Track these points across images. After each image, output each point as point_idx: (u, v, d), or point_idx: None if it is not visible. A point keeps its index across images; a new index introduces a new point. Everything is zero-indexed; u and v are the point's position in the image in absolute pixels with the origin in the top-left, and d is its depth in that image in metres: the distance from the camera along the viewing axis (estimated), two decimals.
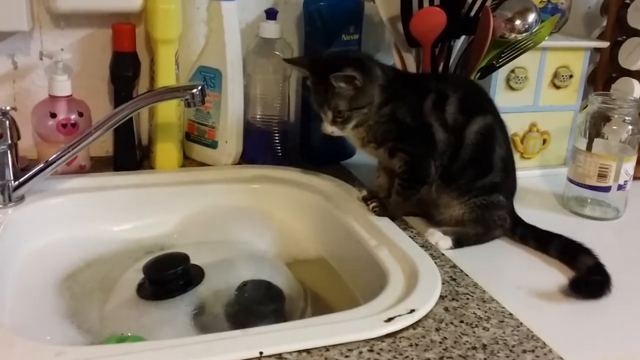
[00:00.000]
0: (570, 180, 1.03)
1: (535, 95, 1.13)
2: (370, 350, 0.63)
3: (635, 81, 1.15)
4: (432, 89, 0.89)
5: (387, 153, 0.90)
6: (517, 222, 0.91)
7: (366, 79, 0.85)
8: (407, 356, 0.62)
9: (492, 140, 0.89)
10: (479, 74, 1.00)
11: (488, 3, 0.95)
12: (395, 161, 0.89)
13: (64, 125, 0.96)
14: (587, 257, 0.82)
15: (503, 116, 0.92)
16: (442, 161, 0.88)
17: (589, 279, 0.79)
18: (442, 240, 0.86)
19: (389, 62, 1.22)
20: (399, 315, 0.67)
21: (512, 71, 1.09)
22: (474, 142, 0.87)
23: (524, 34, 0.96)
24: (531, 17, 0.94)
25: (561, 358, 0.64)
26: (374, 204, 0.91)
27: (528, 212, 0.93)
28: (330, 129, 0.89)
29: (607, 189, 0.99)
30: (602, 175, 0.99)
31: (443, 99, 0.88)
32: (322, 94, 0.87)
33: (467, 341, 0.66)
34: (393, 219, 0.90)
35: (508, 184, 0.91)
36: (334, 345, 0.63)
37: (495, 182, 0.88)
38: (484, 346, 0.65)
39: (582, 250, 0.84)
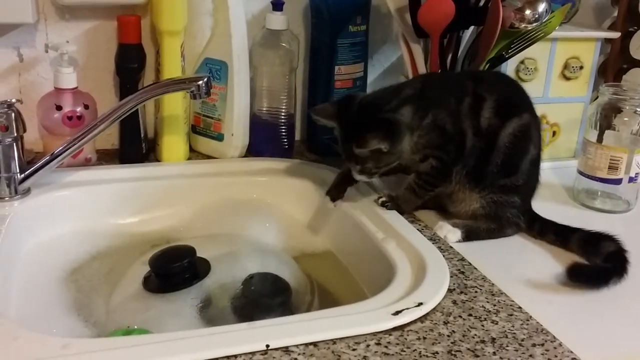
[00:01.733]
0: (581, 173, 1.02)
1: (545, 86, 1.12)
2: (378, 344, 0.62)
3: None
4: (468, 91, 0.86)
5: (421, 159, 0.87)
6: (534, 217, 0.90)
7: (394, 141, 0.83)
8: (415, 349, 0.62)
9: (527, 141, 0.87)
10: (488, 65, 0.98)
11: None
12: (424, 165, 0.87)
13: (70, 118, 0.96)
14: (608, 244, 0.81)
15: None
16: (468, 163, 0.86)
17: (593, 267, 0.79)
18: (450, 233, 0.86)
19: (396, 54, 1.22)
20: (407, 309, 0.66)
21: (522, 62, 1.08)
22: (508, 145, 0.86)
23: (534, 24, 0.94)
24: (541, 7, 0.93)
25: (571, 352, 0.63)
26: (383, 199, 0.90)
27: (538, 205, 0.92)
28: (358, 177, 0.87)
29: (618, 182, 0.98)
30: (612, 168, 0.98)
31: (480, 101, 0.86)
32: (348, 150, 0.84)
33: (475, 335, 0.65)
34: (402, 213, 0.89)
35: (529, 187, 0.90)
36: (340, 339, 0.62)
37: (516, 184, 0.87)
38: (493, 340, 0.64)
39: (604, 237, 0.83)
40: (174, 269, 0.80)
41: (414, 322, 0.66)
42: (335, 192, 0.92)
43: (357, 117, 0.85)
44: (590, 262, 0.81)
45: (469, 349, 0.62)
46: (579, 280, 0.76)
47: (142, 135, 1.03)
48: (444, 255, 0.79)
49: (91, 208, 0.93)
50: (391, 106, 0.85)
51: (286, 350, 0.60)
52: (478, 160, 0.86)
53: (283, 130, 1.09)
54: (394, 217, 0.87)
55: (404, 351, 0.61)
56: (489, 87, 0.88)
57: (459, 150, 0.86)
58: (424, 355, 0.61)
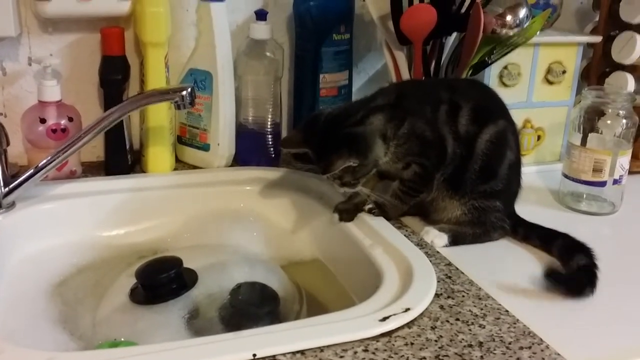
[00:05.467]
0: (566, 176, 1.02)
1: (529, 91, 1.12)
2: (365, 350, 0.62)
3: (629, 75, 1.14)
4: (444, 99, 0.87)
5: (403, 167, 0.87)
6: (519, 222, 0.90)
7: (361, 154, 0.82)
8: (403, 355, 0.62)
9: (504, 146, 0.87)
10: (471, 71, 0.99)
11: None
12: (407, 172, 0.86)
13: (54, 131, 0.95)
14: (581, 257, 0.80)
15: None
16: (446, 170, 0.87)
17: (569, 276, 0.79)
18: (437, 238, 0.86)
19: (380, 62, 1.22)
20: (394, 315, 0.66)
21: (505, 68, 1.08)
22: (485, 151, 0.86)
23: (515, 30, 0.95)
24: (522, 13, 0.94)
25: (558, 354, 0.63)
26: (369, 206, 0.90)
27: (524, 209, 0.92)
28: (342, 190, 0.86)
29: (602, 184, 0.99)
30: (597, 170, 0.98)
31: (456, 109, 0.86)
32: (323, 170, 0.84)
33: (463, 339, 0.65)
34: (388, 219, 0.89)
35: (510, 191, 0.90)
36: (328, 346, 0.62)
37: (496, 189, 0.87)
38: (480, 344, 0.64)
39: (580, 250, 0.82)
40: (161, 280, 0.79)
41: (402, 327, 0.66)
42: (347, 216, 0.90)
43: (322, 137, 0.84)
44: (566, 270, 0.80)
45: (456, 354, 0.62)
46: (556, 284, 0.76)
47: (127, 147, 1.03)
48: (430, 261, 0.79)
49: (77, 221, 0.92)
50: (356, 118, 0.84)
51: (273, 359, 0.60)
52: (456, 168, 0.86)
53: (269, 139, 1.09)
54: (380, 224, 0.87)
55: (392, 357, 0.61)
56: (464, 95, 0.88)
57: (441, 156, 0.86)
58: None
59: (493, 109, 0.89)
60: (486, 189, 0.87)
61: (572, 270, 0.79)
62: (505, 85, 1.10)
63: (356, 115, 0.84)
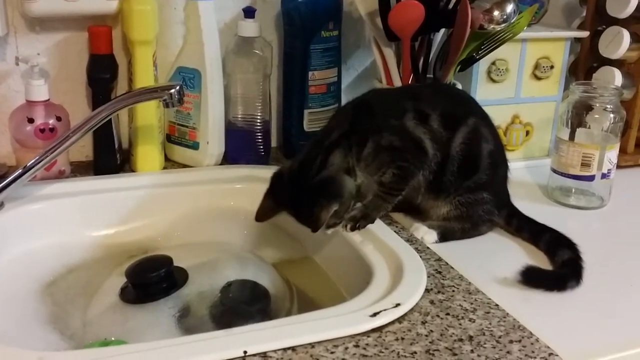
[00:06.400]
0: (554, 171, 1.03)
1: (517, 87, 1.13)
2: (356, 346, 0.62)
3: (616, 70, 1.15)
4: (408, 109, 0.85)
5: (381, 174, 0.85)
6: (513, 213, 0.90)
7: (341, 194, 0.82)
8: (393, 350, 0.62)
9: (478, 141, 0.87)
10: (459, 67, 0.99)
11: None
12: (385, 177, 0.85)
13: (42, 130, 0.95)
14: (565, 251, 0.81)
15: (485, 109, 0.91)
16: (428, 174, 0.86)
17: (548, 273, 0.80)
18: (427, 235, 0.86)
19: (369, 58, 1.23)
20: (384, 310, 0.66)
21: (493, 63, 1.09)
22: (460, 153, 0.85)
23: (503, 25, 0.95)
24: (509, 8, 0.94)
25: (548, 347, 0.64)
26: (349, 225, 0.85)
27: (514, 204, 0.92)
28: (328, 232, 0.85)
29: (590, 178, 0.99)
30: (585, 165, 0.99)
31: (425, 117, 0.85)
32: (312, 227, 0.81)
33: (453, 333, 0.65)
34: (372, 222, 0.86)
35: (497, 179, 0.90)
36: (319, 342, 0.62)
37: (480, 182, 0.87)
38: (471, 338, 0.64)
39: (565, 245, 0.83)
40: (151, 279, 0.79)
41: (392, 323, 0.66)
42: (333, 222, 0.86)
43: (293, 195, 0.83)
44: (552, 265, 0.82)
45: (447, 348, 0.63)
46: (530, 283, 0.76)
47: (116, 146, 1.03)
48: (420, 256, 0.79)
49: (66, 221, 0.92)
50: (317, 165, 0.83)
51: (264, 356, 0.60)
52: (434, 173, 0.86)
53: (259, 137, 1.09)
54: None
55: (383, 352, 0.61)
56: (429, 102, 0.87)
57: (420, 156, 0.85)
58: (402, 355, 0.61)
59: (460, 111, 0.88)
60: (470, 185, 0.87)
61: (557, 265, 0.80)
62: (493, 81, 1.10)
63: (316, 162, 0.83)
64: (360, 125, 0.85)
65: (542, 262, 0.82)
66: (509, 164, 0.92)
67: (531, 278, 0.76)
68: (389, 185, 0.85)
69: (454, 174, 0.86)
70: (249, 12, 1.04)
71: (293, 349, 0.61)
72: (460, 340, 0.64)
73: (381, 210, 0.87)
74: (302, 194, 0.82)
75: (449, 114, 0.86)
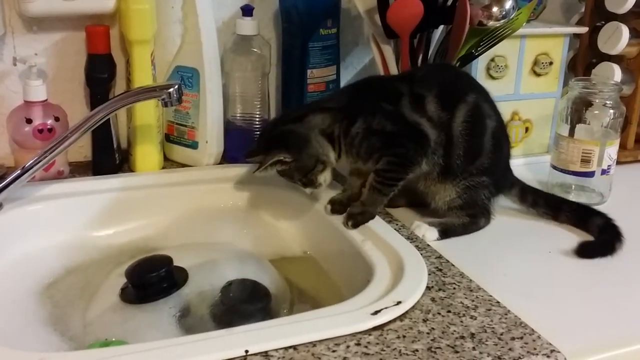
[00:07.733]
0: (554, 167, 1.03)
1: (516, 83, 1.13)
2: (358, 344, 0.62)
3: (615, 65, 1.14)
4: (404, 92, 0.86)
5: (375, 162, 0.86)
6: (526, 188, 0.93)
7: (298, 149, 0.84)
8: (395, 348, 0.62)
9: (481, 118, 0.87)
10: (458, 64, 0.99)
11: None
12: (381, 164, 0.85)
13: (40, 131, 0.94)
14: (596, 218, 0.87)
15: None
16: (435, 159, 0.86)
17: (595, 242, 0.85)
18: (428, 232, 0.86)
19: (368, 56, 1.22)
20: (386, 308, 0.66)
21: (492, 60, 1.09)
22: (463, 133, 0.86)
23: (502, 21, 0.95)
24: (508, 4, 0.94)
25: (550, 343, 0.64)
26: (350, 222, 0.86)
27: None
28: (308, 190, 0.89)
29: (590, 174, 0.99)
30: (585, 161, 0.99)
31: (420, 100, 0.86)
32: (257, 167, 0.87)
33: (455, 331, 0.65)
34: (372, 218, 0.86)
35: (501, 158, 0.91)
36: (320, 341, 0.62)
37: (483, 166, 0.87)
38: (472, 335, 0.64)
39: (592, 213, 0.89)
40: (151, 279, 0.79)
41: (393, 321, 0.66)
42: (339, 207, 0.90)
43: (265, 138, 0.91)
44: (591, 234, 0.87)
45: (448, 345, 0.63)
46: (590, 256, 0.82)
47: (115, 146, 1.02)
48: (421, 254, 0.79)
49: (65, 221, 0.91)
50: (294, 117, 0.88)
51: (265, 354, 0.60)
52: (442, 157, 0.86)
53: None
54: None
55: (384, 350, 0.61)
56: (425, 84, 0.88)
57: (420, 141, 0.85)
58: (404, 353, 0.61)
59: (458, 89, 0.89)
60: (476, 167, 0.87)
61: (594, 232, 0.86)
62: (492, 77, 1.10)
63: (290, 116, 0.89)
64: (354, 103, 0.87)
65: (542, 260, 0.82)
66: (509, 141, 0.94)
67: (585, 252, 0.81)
68: (383, 175, 0.85)
69: (460, 157, 0.86)
70: (247, 11, 1.04)
71: (294, 347, 0.61)
72: (462, 337, 0.64)
73: (378, 204, 0.87)
74: (269, 137, 0.89)
75: (446, 93, 0.87)
